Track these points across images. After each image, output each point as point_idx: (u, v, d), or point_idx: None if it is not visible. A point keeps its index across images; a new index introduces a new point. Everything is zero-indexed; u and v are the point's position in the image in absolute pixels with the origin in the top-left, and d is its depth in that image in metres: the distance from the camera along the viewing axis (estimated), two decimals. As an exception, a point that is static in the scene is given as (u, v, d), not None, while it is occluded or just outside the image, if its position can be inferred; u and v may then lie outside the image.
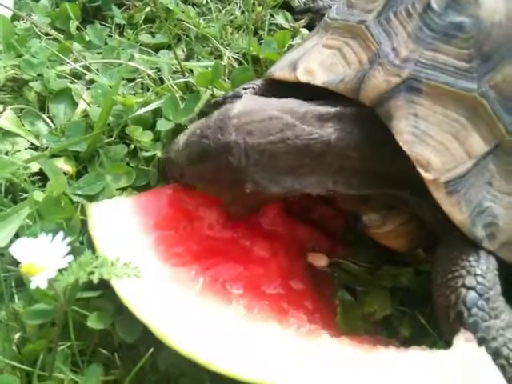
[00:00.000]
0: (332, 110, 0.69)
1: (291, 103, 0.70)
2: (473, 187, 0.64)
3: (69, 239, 0.54)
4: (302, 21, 1.23)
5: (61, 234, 0.55)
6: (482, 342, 0.59)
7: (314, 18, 1.23)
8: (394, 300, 0.75)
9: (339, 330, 0.69)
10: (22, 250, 0.53)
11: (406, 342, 0.68)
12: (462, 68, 0.65)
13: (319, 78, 0.72)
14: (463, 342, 0.58)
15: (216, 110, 0.83)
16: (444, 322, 0.63)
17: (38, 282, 0.51)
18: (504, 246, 0.65)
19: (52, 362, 0.63)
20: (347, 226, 0.78)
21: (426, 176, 0.63)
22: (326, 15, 0.81)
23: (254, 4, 1.22)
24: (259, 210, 0.76)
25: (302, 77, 0.73)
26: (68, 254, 0.54)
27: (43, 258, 0.53)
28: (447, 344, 0.62)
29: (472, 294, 0.60)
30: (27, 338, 0.67)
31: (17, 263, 0.70)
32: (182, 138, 0.73)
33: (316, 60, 0.74)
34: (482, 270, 0.62)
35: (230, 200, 0.72)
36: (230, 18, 1.22)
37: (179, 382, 0.65)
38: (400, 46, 0.68)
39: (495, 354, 0.58)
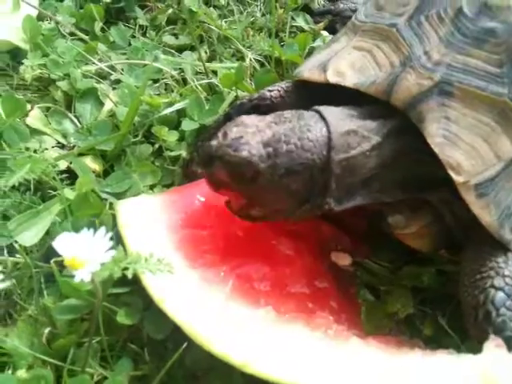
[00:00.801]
0: (393, 121, 0.69)
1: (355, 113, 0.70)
2: (502, 190, 0.65)
3: (110, 234, 0.55)
4: (322, 23, 1.24)
5: (103, 229, 0.55)
6: (509, 340, 0.59)
7: (334, 20, 1.24)
8: (415, 299, 0.75)
9: (364, 330, 0.70)
10: (64, 245, 0.53)
11: (428, 342, 0.69)
12: (493, 73, 0.66)
13: (350, 80, 0.72)
14: (493, 347, 0.58)
15: (240, 111, 0.84)
16: (471, 322, 0.63)
17: (82, 275, 0.52)
18: None
19: (85, 357, 0.64)
20: (370, 226, 0.78)
21: (457, 179, 0.64)
22: (353, 17, 0.82)
23: (275, 6, 1.23)
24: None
25: (332, 78, 0.74)
26: (111, 248, 0.54)
27: (86, 253, 0.53)
28: (469, 346, 0.63)
29: (500, 295, 0.61)
30: (57, 333, 0.68)
31: (46, 259, 0.73)
32: (253, 139, 0.65)
33: (346, 62, 0.75)
34: (510, 272, 0.63)
35: (287, 213, 0.70)
36: (251, 20, 1.23)
37: (206, 377, 0.66)
38: (432, 50, 0.69)
39: None
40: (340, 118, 0.68)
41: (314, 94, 0.78)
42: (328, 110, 0.69)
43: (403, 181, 0.69)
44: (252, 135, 0.65)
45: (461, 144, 0.64)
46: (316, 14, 1.27)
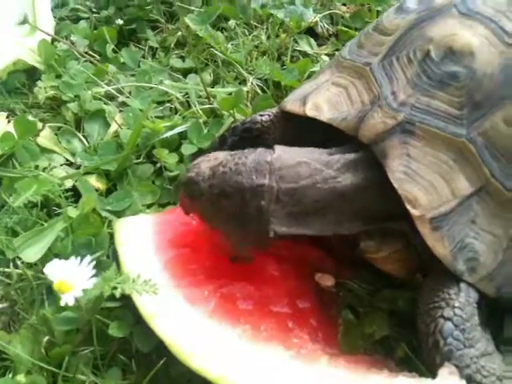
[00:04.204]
0: (350, 156, 0.73)
1: (316, 152, 0.74)
2: (456, 224, 0.68)
3: (94, 263, 0.61)
4: (324, 47, 1.28)
5: (88, 257, 0.62)
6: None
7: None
8: (392, 321, 0.78)
9: (340, 349, 0.73)
10: (54, 270, 0.60)
11: (401, 362, 0.72)
12: (454, 114, 0.69)
13: (325, 114, 0.76)
14: (447, 374, 0.62)
15: (233, 134, 0.90)
16: (424, 348, 0.66)
17: (67, 299, 0.59)
18: (484, 280, 0.68)
19: (79, 365, 0.70)
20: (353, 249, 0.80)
21: (413, 212, 0.67)
22: (338, 53, 0.86)
23: (278, 30, 1.27)
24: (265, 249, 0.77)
25: (310, 112, 0.78)
26: (93, 275, 0.60)
27: (72, 278, 0.59)
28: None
29: (448, 325, 0.64)
30: (54, 341, 0.73)
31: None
32: (205, 165, 0.74)
33: (324, 97, 0.79)
34: (460, 303, 0.66)
35: (239, 239, 0.74)
36: (256, 43, 1.26)
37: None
38: (399, 91, 0.72)
39: (468, 381, 0.62)
40: (294, 152, 0.73)
41: (298, 122, 0.83)
42: (283, 147, 0.75)
43: (363, 213, 0.72)
44: (206, 162, 0.74)
45: (419, 180, 0.67)
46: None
